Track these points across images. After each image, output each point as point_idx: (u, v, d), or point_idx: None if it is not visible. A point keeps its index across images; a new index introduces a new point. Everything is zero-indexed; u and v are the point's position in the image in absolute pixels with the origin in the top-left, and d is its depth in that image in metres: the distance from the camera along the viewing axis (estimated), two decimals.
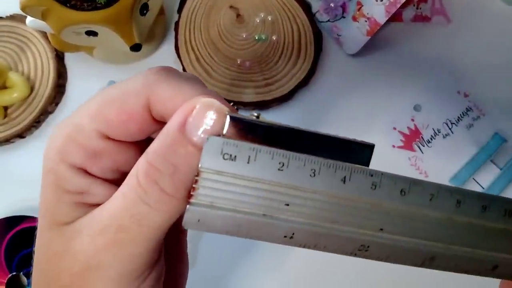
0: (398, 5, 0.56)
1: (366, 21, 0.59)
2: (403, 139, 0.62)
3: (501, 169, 0.61)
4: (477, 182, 0.61)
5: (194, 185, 0.20)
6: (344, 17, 0.62)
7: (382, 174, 0.21)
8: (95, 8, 0.49)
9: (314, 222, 0.21)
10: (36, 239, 0.24)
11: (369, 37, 0.59)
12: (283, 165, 0.20)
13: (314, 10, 0.64)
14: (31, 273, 0.25)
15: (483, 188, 0.61)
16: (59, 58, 0.62)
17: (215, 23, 0.62)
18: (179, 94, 0.23)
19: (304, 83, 0.61)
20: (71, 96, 0.62)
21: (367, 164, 0.22)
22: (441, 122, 0.62)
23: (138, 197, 0.21)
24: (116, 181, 0.24)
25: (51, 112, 0.61)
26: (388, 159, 0.60)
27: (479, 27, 0.65)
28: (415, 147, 0.61)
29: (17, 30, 0.62)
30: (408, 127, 0.62)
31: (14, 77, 0.59)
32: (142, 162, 0.22)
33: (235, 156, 0.20)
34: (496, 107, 0.62)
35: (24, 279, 0.51)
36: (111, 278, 0.22)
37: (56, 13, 0.49)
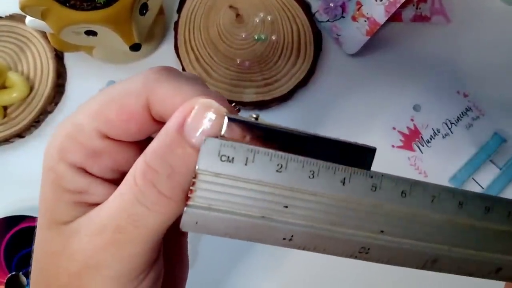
0: (398, 5, 0.56)
1: (365, 21, 0.59)
2: (403, 139, 0.62)
3: (500, 169, 0.61)
4: (477, 182, 0.61)
5: (191, 187, 0.20)
6: (343, 17, 0.62)
7: (383, 175, 0.21)
8: (95, 8, 0.49)
9: (313, 224, 0.21)
10: (35, 238, 0.24)
11: (369, 37, 0.59)
12: (281, 166, 0.20)
13: (313, 10, 0.64)
14: (29, 273, 0.25)
15: (482, 188, 0.61)
16: (59, 58, 0.62)
17: (215, 23, 0.62)
18: (179, 94, 0.22)
19: (303, 83, 0.61)
20: (71, 96, 0.62)
21: (369, 167, 0.21)
22: (440, 122, 0.62)
23: (135, 198, 0.21)
24: (116, 180, 0.24)
25: (50, 112, 0.61)
26: (387, 159, 0.60)
27: (479, 27, 0.65)
28: (415, 147, 0.61)
29: (17, 30, 0.62)
30: (407, 127, 0.62)
31: (13, 77, 0.59)
32: (140, 163, 0.21)
33: (233, 158, 0.20)
34: (496, 107, 0.63)
35: (24, 278, 0.51)
36: (109, 278, 0.22)
37: (56, 13, 0.49)
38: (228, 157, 0.20)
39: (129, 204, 0.21)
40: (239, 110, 0.26)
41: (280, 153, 0.20)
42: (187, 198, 0.20)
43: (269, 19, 0.62)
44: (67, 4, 0.49)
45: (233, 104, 0.26)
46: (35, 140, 0.61)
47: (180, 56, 0.61)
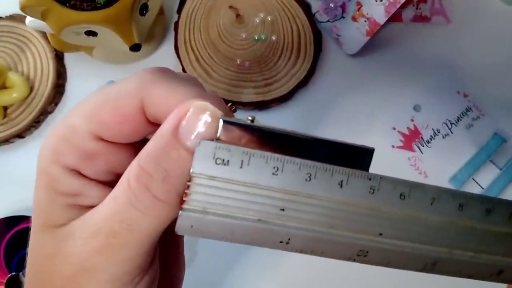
0: (398, 5, 0.56)
1: (365, 21, 0.59)
2: (403, 139, 0.62)
3: (500, 169, 0.61)
4: (477, 182, 0.61)
5: (186, 191, 0.20)
6: (343, 17, 0.62)
7: (381, 177, 0.21)
8: (95, 8, 0.49)
9: (310, 227, 0.21)
10: (29, 240, 0.24)
11: (369, 37, 0.59)
12: (277, 169, 0.20)
13: (313, 10, 0.64)
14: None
15: (482, 188, 0.61)
16: (59, 58, 0.62)
17: (215, 23, 0.62)
18: (173, 96, 0.22)
19: (303, 83, 0.61)
20: (71, 96, 0.62)
21: (367, 169, 0.21)
22: (440, 122, 0.62)
23: (129, 202, 0.21)
24: (111, 183, 0.24)
25: (50, 112, 0.61)
26: (387, 159, 0.60)
27: (479, 27, 0.65)
28: (415, 147, 0.61)
29: (17, 30, 0.62)
30: (407, 127, 0.62)
31: (13, 77, 0.59)
32: (134, 166, 0.21)
33: (228, 161, 0.20)
34: (496, 107, 0.62)
35: (24, 279, 0.51)
36: (103, 281, 0.22)
37: (56, 13, 0.49)
38: (223, 160, 0.20)
39: (123, 208, 0.21)
40: (235, 111, 0.26)
41: (276, 155, 0.20)
42: (182, 201, 0.20)
43: (269, 19, 0.62)
44: (67, 5, 0.49)
45: (229, 104, 0.25)
46: (35, 141, 0.61)
47: (180, 57, 0.61)
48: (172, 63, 0.62)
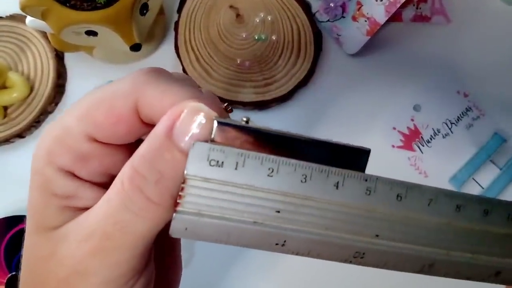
0: (398, 5, 0.56)
1: (366, 21, 0.59)
2: (403, 139, 0.62)
3: (500, 169, 0.61)
4: (477, 182, 0.61)
5: (180, 193, 0.20)
6: (344, 17, 0.62)
7: (377, 178, 0.21)
8: (95, 8, 0.49)
9: (306, 229, 0.20)
10: (24, 242, 0.24)
11: (369, 37, 0.59)
12: (272, 170, 0.20)
13: (314, 10, 0.64)
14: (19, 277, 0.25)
15: (483, 188, 0.60)
16: (59, 58, 0.62)
17: (215, 23, 0.62)
18: (168, 97, 0.22)
19: (303, 83, 0.61)
20: (71, 96, 0.62)
21: (363, 170, 0.21)
22: (440, 122, 0.62)
23: (122, 204, 0.21)
24: (105, 184, 0.24)
25: (50, 112, 0.61)
26: (387, 159, 0.60)
27: (479, 27, 0.65)
28: (415, 147, 0.61)
29: (17, 30, 0.62)
30: (407, 127, 0.62)
31: (14, 77, 0.59)
32: (127, 167, 0.21)
33: (222, 162, 0.19)
34: (496, 107, 0.62)
35: None
36: (97, 284, 0.22)
37: (56, 13, 0.49)
38: (218, 161, 0.19)
39: (117, 210, 0.21)
40: (231, 111, 0.26)
41: (271, 156, 0.20)
42: (176, 203, 0.20)
43: (269, 19, 0.62)
44: (68, 4, 0.49)
45: (226, 104, 0.25)
46: (35, 140, 0.61)
47: (181, 56, 0.61)
48: (172, 62, 0.62)
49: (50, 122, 0.61)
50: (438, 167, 0.61)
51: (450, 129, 0.62)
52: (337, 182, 0.20)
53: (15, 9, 0.52)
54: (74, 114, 0.23)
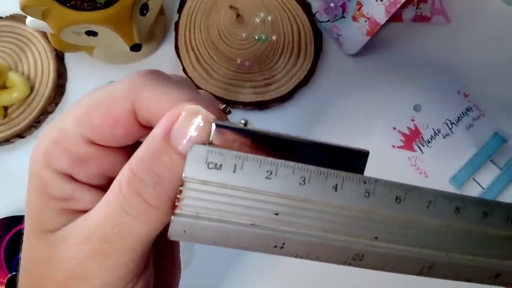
0: (398, 5, 0.56)
1: (366, 21, 0.59)
2: (403, 139, 0.62)
3: (501, 169, 0.61)
4: (477, 182, 0.61)
5: (178, 196, 0.20)
6: (344, 17, 0.62)
7: (376, 181, 0.21)
8: (95, 8, 0.49)
9: (305, 232, 0.20)
10: (22, 245, 0.24)
11: (369, 37, 0.59)
12: (271, 173, 0.20)
13: (314, 10, 0.64)
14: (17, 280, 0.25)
15: (483, 188, 0.60)
16: (59, 58, 0.62)
17: (215, 23, 0.62)
18: (165, 99, 0.22)
19: (304, 83, 0.61)
20: (71, 96, 0.62)
21: (362, 172, 0.21)
22: (441, 122, 0.62)
23: (120, 207, 0.21)
24: (103, 187, 0.24)
25: (51, 112, 0.61)
26: (387, 159, 0.60)
27: (479, 27, 0.65)
28: (415, 147, 0.61)
29: (17, 30, 0.62)
30: (408, 127, 0.62)
31: (14, 77, 0.59)
32: (125, 170, 0.21)
33: (221, 165, 0.19)
34: (496, 107, 0.62)
35: None
36: (96, 287, 0.22)
37: (56, 13, 0.49)
38: (216, 164, 0.19)
39: (115, 213, 0.21)
40: (229, 112, 0.26)
41: (270, 159, 0.20)
42: (174, 206, 0.20)
43: (269, 19, 0.62)
44: (68, 5, 0.49)
45: (224, 106, 0.25)
46: (35, 141, 0.60)
47: (181, 56, 0.61)
48: (172, 62, 0.62)
49: (50, 122, 0.61)
50: (438, 167, 0.61)
51: (450, 129, 0.62)
52: (336, 185, 0.20)
53: (15, 9, 0.52)
54: (71, 116, 0.23)
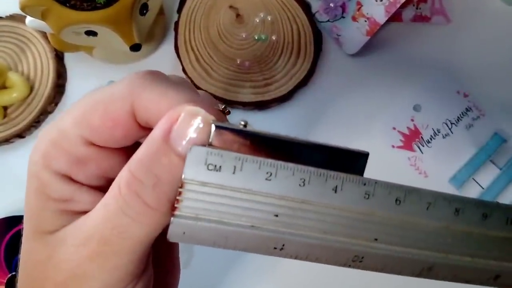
0: (398, 5, 0.56)
1: (365, 21, 0.59)
2: (403, 139, 0.62)
3: (500, 169, 0.61)
4: (477, 182, 0.61)
5: (178, 197, 0.19)
6: (343, 17, 0.62)
7: (376, 182, 0.21)
8: (95, 8, 0.49)
9: (304, 233, 0.20)
10: (21, 246, 0.24)
11: (369, 37, 0.59)
12: (270, 174, 0.20)
13: (313, 10, 0.64)
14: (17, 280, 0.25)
15: (483, 188, 0.60)
16: (59, 58, 0.62)
17: (215, 23, 0.62)
18: (164, 100, 0.22)
19: (303, 83, 0.61)
20: (71, 96, 0.62)
21: (362, 173, 0.21)
22: (440, 122, 0.62)
23: (119, 209, 0.21)
24: (103, 188, 0.24)
25: (50, 112, 0.61)
26: (387, 159, 0.60)
27: (479, 27, 0.65)
28: (415, 147, 0.61)
29: (17, 30, 0.62)
30: (407, 127, 0.62)
31: (13, 77, 0.59)
32: (124, 172, 0.21)
33: (220, 167, 0.19)
34: (496, 107, 0.62)
35: None
36: None
37: (56, 13, 0.49)
38: (215, 165, 0.19)
39: (114, 215, 0.21)
40: (229, 112, 0.26)
41: (269, 160, 0.20)
42: (173, 208, 0.20)
43: (269, 19, 0.62)
44: (67, 4, 0.49)
45: (223, 107, 0.25)
46: (35, 141, 0.61)
47: (180, 56, 0.61)
48: (172, 62, 0.62)
49: (50, 122, 0.61)
50: (438, 167, 0.61)
51: (450, 129, 0.62)
52: (336, 186, 0.20)
53: (15, 9, 0.52)
54: (71, 117, 0.23)
